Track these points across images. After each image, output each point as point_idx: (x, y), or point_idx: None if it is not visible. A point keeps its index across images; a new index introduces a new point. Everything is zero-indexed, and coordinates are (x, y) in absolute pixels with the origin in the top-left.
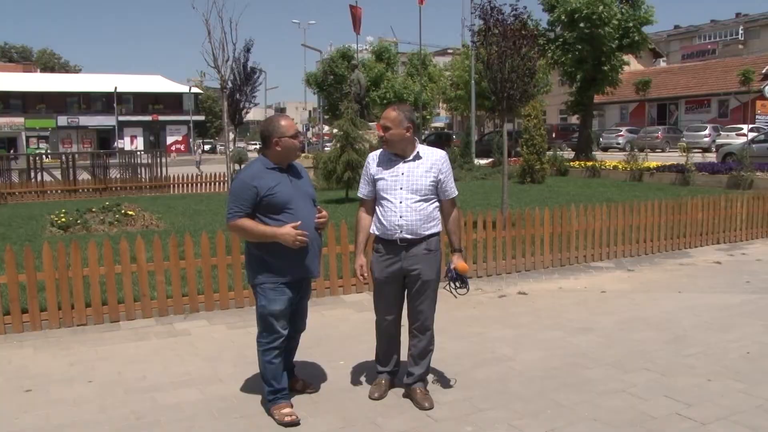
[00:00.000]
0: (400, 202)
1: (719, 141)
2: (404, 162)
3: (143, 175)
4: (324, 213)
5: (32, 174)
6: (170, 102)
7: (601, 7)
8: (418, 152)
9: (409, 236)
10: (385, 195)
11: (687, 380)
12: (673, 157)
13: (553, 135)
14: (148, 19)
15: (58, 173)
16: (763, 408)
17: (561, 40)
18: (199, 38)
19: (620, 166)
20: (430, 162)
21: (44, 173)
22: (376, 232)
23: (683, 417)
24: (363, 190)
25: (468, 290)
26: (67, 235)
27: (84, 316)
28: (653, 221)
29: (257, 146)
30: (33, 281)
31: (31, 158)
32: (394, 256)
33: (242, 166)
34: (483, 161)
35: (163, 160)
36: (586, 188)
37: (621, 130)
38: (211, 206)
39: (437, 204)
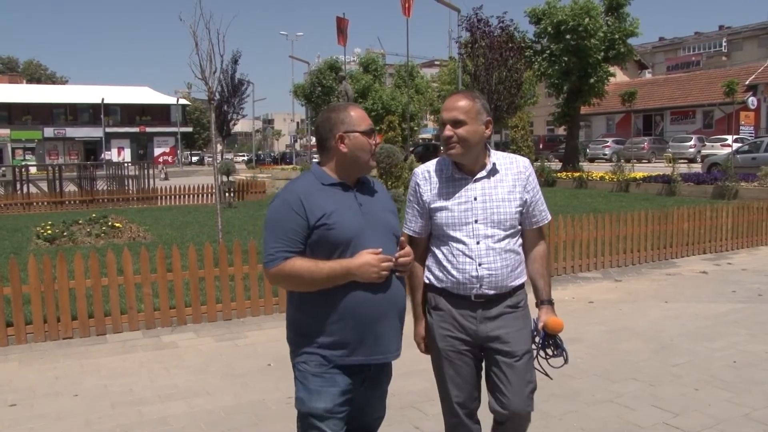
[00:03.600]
0: (477, 243)
1: (704, 152)
2: (475, 180)
3: (130, 187)
4: (407, 249)
5: (18, 186)
6: (158, 113)
7: (587, 20)
8: (494, 164)
9: (491, 291)
10: (451, 232)
11: (674, 390)
12: (659, 168)
13: (540, 146)
14: (136, 30)
15: (44, 185)
16: (749, 417)
17: (547, 51)
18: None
19: (607, 177)
20: (512, 176)
21: (30, 185)
22: (435, 283)
23: (671, 426)
24: (412, 225)
25: (567, 361)
26: (54, 248)
27: (70, 329)
28: (640, 231)
29: (245, 158)
30: (18, 294)
31: (16, 170)
32: (465, 319)
33: (229, 178)
34: None
35: (151, 171)
36: (573, 199)
37: (607, 141)
38: (198, 218)
39: (521, 238)
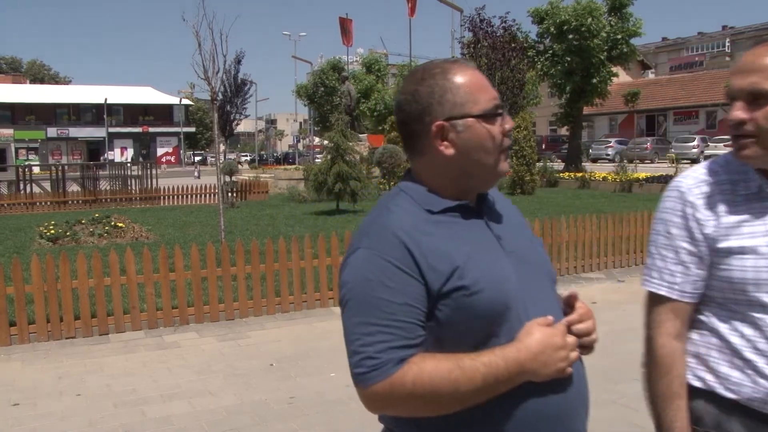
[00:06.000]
0: None
1: (707, 152)
2: None
3: (133, 187)
4: (585, 309)
5: (21, 186)
6: (160, 113)
7: (589, 20)
8: None
9: None
10: (761, 295)
11: None
12: (662, 168)
13: (543, 146)
14: (139, 30)
15: (47, 185)
16: None
17: (550, 52)
18: (189, 50)
19: (610, 177)
20: None
21: (33, 185)
22: (720, 390)
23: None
24: (673, 280)
25: None
26: (56, 247)
27: (73, 329)
28: (643, 232)
29: (248, 158)
30: (21, 294)
31: (20, 170)
32: None
33: (232, 178)
34: None
35: (154, 171)
36: (576, 199)
37: (610, 142)
38: (200, 218)
39: None
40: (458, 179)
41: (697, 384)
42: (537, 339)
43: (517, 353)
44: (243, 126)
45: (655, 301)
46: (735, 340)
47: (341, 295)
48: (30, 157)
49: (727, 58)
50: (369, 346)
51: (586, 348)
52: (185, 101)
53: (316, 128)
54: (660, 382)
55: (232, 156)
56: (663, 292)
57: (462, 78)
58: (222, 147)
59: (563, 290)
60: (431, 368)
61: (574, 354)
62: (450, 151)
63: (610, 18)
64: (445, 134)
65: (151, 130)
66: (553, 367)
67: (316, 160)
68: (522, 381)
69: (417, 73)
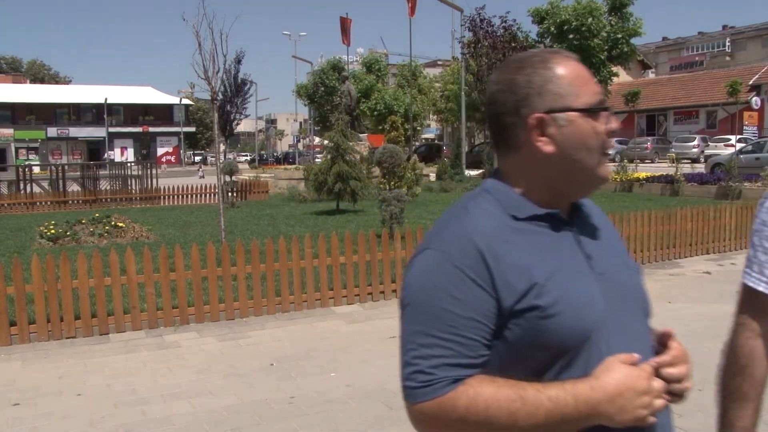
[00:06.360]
0: None
1: (708, 152)
2: None
3: (133, 187)
4: (680, 350)
5: (21, 185)
6: (161, 113)
7: (590, 20)
8: None
9: None
10: None
11: None
12: (663, 168)
13: None
14: (139, 30)
15: (47, 185)
16: None
17: None
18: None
19: (610, 177)
20: None
21: (33, 185)
22: None
23: (675, 427)
24: None
25: None
26: (57, 247)
27: (73, 329)
28: (643, 232)
29: (248, 157)
30: (21, 293)
31: (20, 169)
32: None
33: (232, 177)
34: (473, 172)
35: (154, 171)
36: None
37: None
38: (201, 218)
39: None
40: (554, 182)
41: None
42: (616, 379)
43: (591, 392)
44: (243, 126)
45: (749, 295)
46: None
47: (402, 297)
48: (30, 157)
49: (728, 58)
50: (424, 359)
51: (676, 396)
52: (185, 101)
53: (316, 128)
54: (732, 380)
55: (231, 156)
56: (761, 288)
57: (564, 69)
58: (222, 147)
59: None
60: (489, 394)
61: (659, 402)
62: (549, 148)
63: (610, 18)
64: (543, 128)
65: (151, 129)
66: (632, 413)
67: (316, 160)
68: (592, 424)
69: (514, 61)
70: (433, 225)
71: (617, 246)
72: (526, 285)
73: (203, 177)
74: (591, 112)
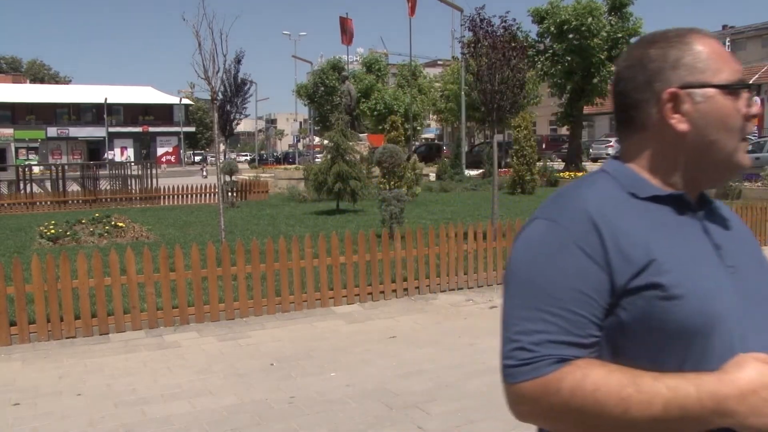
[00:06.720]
0: None
1: None
2: None
3: (133, 187)
4: None
5: (21, 185)
6: (161, 113)
7: (590, 19)
8: None
9: None
10: None
11: None
12: None
13: (543, 146)
14: (139, 30)
15: (47, 184)
16: None
17: (550, 51)
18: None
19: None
20: None
21: (33, 185)
22: None
23: None
24: None
25: None
26: (57, 247)
27: (73, 329)
28: None
29: (248, 158)
30: (21, 293)
31: (20, 169)
32: None
33: (232, 177)
34: (473, 172)
35: (154, 171)
36: None
37: (611, 141)
38: (201, 218)
39: None
40: (684, 165)
41: None
42: (750, 375)
43: (718, 384)
44: (243, 126)
45: None
46: None
47: (506, 271)
48: (30, 156)
49: None
50: (526, 335)
51: None
52: (185, 101)
53: (316, 128)
54: None
55: (231, 155)
56: None
57: (701, 44)
58: (222, 147)
59: None
60: (598, 377)
61: None
62: (683, 126)
63: (610, 17)
64: (678, 104)
65: (151, 129)
66: (767, 417)
67: (316, 160)
68: (719, 425)
69: (647, 37)
70: (553, 196)
71: (751, 243)
72: (643, 261)
73: (206, 176)
74: (732, 89)
